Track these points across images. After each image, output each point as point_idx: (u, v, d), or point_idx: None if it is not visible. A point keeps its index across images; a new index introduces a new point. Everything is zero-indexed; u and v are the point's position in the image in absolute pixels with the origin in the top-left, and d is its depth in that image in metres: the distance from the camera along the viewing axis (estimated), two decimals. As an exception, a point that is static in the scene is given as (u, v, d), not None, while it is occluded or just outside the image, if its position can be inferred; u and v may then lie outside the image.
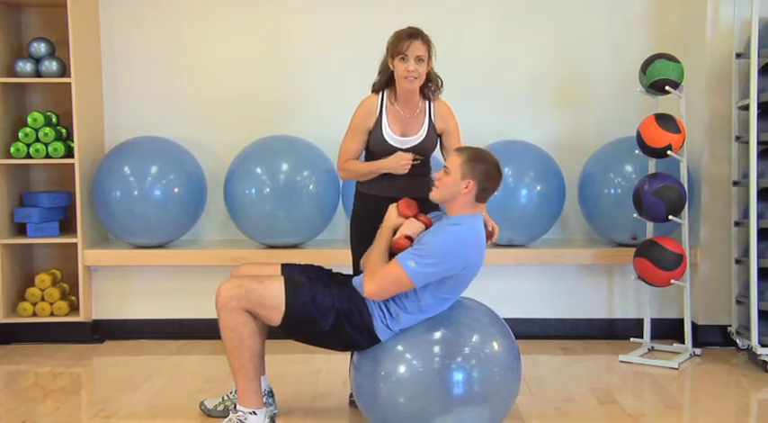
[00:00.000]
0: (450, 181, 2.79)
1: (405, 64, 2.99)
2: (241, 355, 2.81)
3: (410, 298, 2.78)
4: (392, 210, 2.93)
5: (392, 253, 2.80)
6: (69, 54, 4.21)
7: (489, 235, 2.93)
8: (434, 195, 2.85)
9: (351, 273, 3.15)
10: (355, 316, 2.80)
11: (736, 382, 3.75)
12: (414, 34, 3.01)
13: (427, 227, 2.86)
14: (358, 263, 3.18)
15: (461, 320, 2.80)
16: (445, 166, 2.84)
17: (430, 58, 3.05)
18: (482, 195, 2.82)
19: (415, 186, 3.17)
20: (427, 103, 3.15)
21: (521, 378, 2.89)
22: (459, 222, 2.78)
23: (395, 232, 2.88)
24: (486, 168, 2.80)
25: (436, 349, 2.74)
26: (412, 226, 2.85)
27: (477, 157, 2.81)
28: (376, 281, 2.74)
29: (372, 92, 3.17)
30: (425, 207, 3.04)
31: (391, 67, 3.06)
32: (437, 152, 3.27)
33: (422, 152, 3.14)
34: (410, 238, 2.80)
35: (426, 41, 3.03)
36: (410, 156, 3.04)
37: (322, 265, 3.15)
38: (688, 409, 3.45)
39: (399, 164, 3.03)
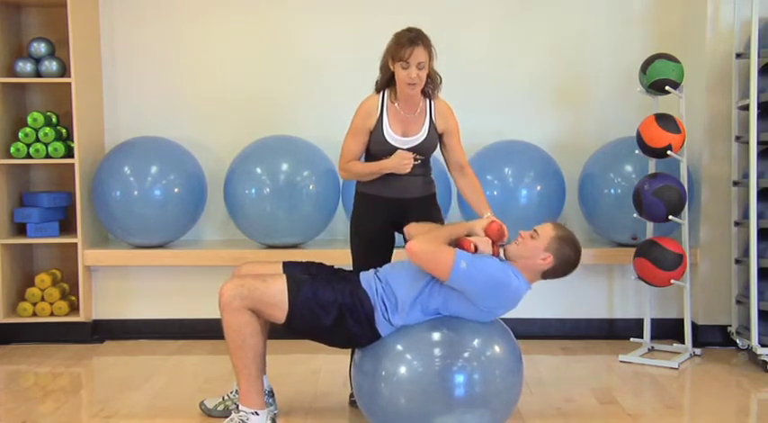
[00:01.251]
0: (533, 245, 2.79)
1: (406, 71, 2.98)
2: (244, 355, 2.81)
3: (421, 294, 2.77)
4: (484, 221, 2.91)
5: (453, 245, 2.79)
6: (69, 54, 4.21)
7: (501, 235, 2.92)
8: (511, 249, 2.84)
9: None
10: (358, 309, 2.80)
11: (736, 382, 3.75)
12: (414, 40, 2.98)
13: (493, 256, 2.85)
14: (358, 263, 3.19)
15: (463, 322, 2.80)
16: (535, 230, 2.82)
17: (431, 60, 3.05)
18: (549, 275, 2.83)
19: (415, 186, 3.17)
20: (428, 102, 3.15)
21: (522, 381, 2.88)
22: (519, 277, 2.78)
23: (467, 235, 2.87)
24: (570, 256, 2.81)
25: (437, 350, 2.73)
26: (486, 245, 2.84)
27: (569, 242, 2.82)
28: (427, 245, 2.72)
29: (375, 91, 3.17)
30: (426, 207, 3.04)
31: (391, 68, 3.05)
32: (436, 153, 3.28)
33: (423, 152, 3.14)
34: (476, 249, 2.80)
35: (427, 46, 3.01)
36: (411, 155, 3.04)
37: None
38: (688, 409, 3.45)
39: (401, 163, 3.03)
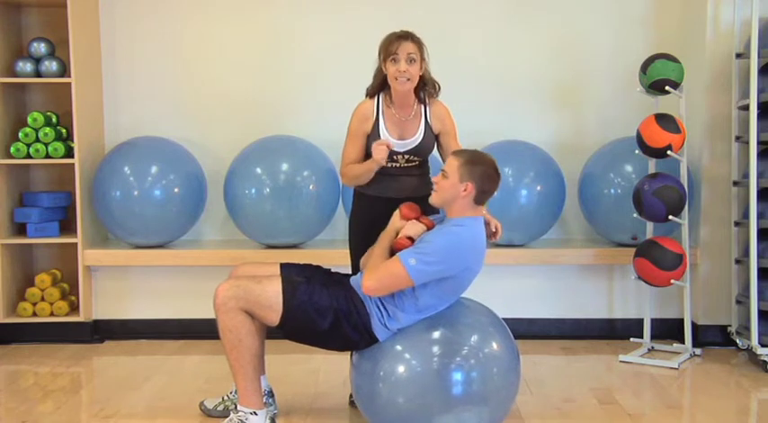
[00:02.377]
0: (448, 184, 2.79)
1: (396, 65, 2.99)
2: (240, 356, 2.81)
3: (408, 297, 2.78)
4: (395, 213, 2.94)
5: (393, 253, 2.81)
6: (69, 54, 4.21)
7: (493, 234, 2.94)
8: (434, 199, 2.85)
9: (350, 273, 3.14)
10: (353, 315, 2.80)
11: (737, 382, 3.75)
12: (404, 35, 3.02)
13: (429, 229, 2.87)
14: (357, 263, 3.18)
15: (460, 320, 2.80)
16: (443, 170, 2.83)
17: (423, 59, 3.04)
18: (481, 197, 2.82)
19: (412, 186, 3.17)
20: (423, 105, 3.15)
21: (520, 378, 2.89)
22: (460, 223, 2.79)
23: (397, 235, 2.88)
24: (483, 170, 2.80)
25: (435, 349, 2.74)
26: (414, 228, 2.86)
27: (475, 160, 2.81)
28: (375, 276, 2.74)
29: (366, 97, 3.17)
30: (426, 208, 3.04)
31: (384, 70, 3.05)
32: (435, 153, 3.28)
33: (420, 154, 3.15)
34: (411, 240, 2.82)
35: (417, 42, 3.02)
36: (385, 142, 3.00)
37: (322, 265, 3.15)
38: (688, 409, 3.45)
39: (377, 155, 2.98)
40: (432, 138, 3.16)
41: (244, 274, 2.97)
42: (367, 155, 3.15)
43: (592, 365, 4.03)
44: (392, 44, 3.00)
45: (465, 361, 2.70)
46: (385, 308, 2.80)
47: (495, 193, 2.87)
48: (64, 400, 3.44)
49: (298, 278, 2.90)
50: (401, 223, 2.91)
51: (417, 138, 3.12)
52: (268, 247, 4.32)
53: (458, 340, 2.75)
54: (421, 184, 3.21)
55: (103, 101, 4.58)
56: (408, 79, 3.00)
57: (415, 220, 2.89)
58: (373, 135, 3.09)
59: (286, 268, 3.02)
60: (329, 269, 3.12)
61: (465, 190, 2.77)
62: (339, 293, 2.85)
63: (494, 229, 2.96)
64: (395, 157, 3.11)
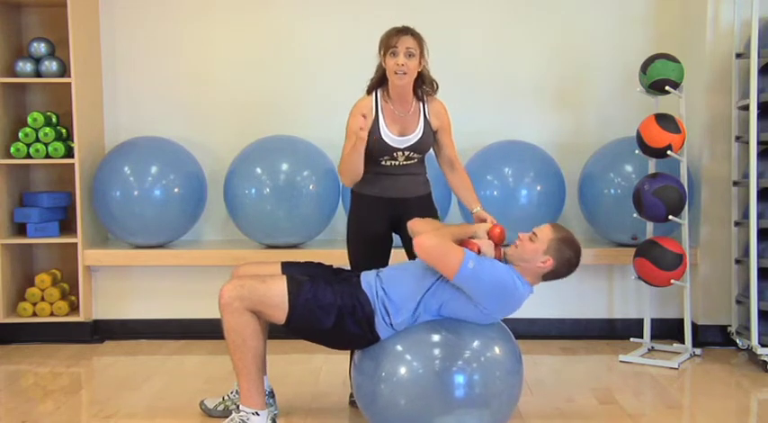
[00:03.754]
0: (532, 248, 2.79)
1: (395, 58, 3.00)
2: (244, 356, 2.81)
3: (426, 298, 2.77)
4: (486, 225, 2.95)
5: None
6: (69, 54, 4.21)
7: (502, 239, 2.93)
8: (511, 252, 2.84)
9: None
10: (357, 311, 2.80)
11: (737, 382, 3.75)
12: (403, 29, 3.03)
13: (495, 259, 2.86)
14: (356, 264, 3.18)
15: (463, 323, 2.79)
16: (534, 232, 2.82)
17: (422, 55, 3.05)
18: (550, 276, 2.83)
19: (410, 186, 3.18)
20: (421, 102, 3.15)
21: (522, 382, 2.88)
22: (522, 281, 2.78)
23: (471, 238, 2.88)
24: (570, 258, 2.81)
25: (437, 351, 2.73)
26: (489, 248, 2.85)
27: (569, 243, 2.81)
28: (437, 241, 2.71)
29: (366, 93, 3.17)
30: (423, 214, 3.04)
31: (384, 64, 3.06)
32: (432, 154, 3.28)
33: (419, 150, 3.15)
34: (479, 251, 2.81)
35: (417, 37, 3.03)
36: (362, 123, 2.98)
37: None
38: (688, 409, 3.45)
39: (355, 134, 2.96)
40: (431, 134, 3.17)
41: (246, 273, 2.96)
42: (367, 153, 3.14)
43: (592, 365, 4.03)
44: (392, 38, 3.01)
45: (467, 364, 2.69)
46: (391, 305, 2.79)
47: (560, 278, 2.86)
48: (64, 400, 3.44)
49: (302, 276, 2.89)
50: (482, 235, 2.90)
51: (417, 134, 3.12)
52: (268, 247, 4.32)
53: (460, 343, 2.74)
54: (419, 184, 3.22)
55: (103, 101, 4.58)
56: (405, 73, 3.00)
57: (492, 243, 2.88)
58: (373, 132, 3.08)
59: (288, 267, 3.01)
60: (332, 265, 3.11)
61: (544, 262, 2.78)
62: (344, 290, 2.84)
63: (499, 232, 2.94)
64: (395, 154, 3.11)
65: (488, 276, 2.70)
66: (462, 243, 2.82)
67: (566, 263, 2.81)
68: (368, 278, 2.90)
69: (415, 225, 2.99)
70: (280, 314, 2.79)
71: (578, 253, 2.84)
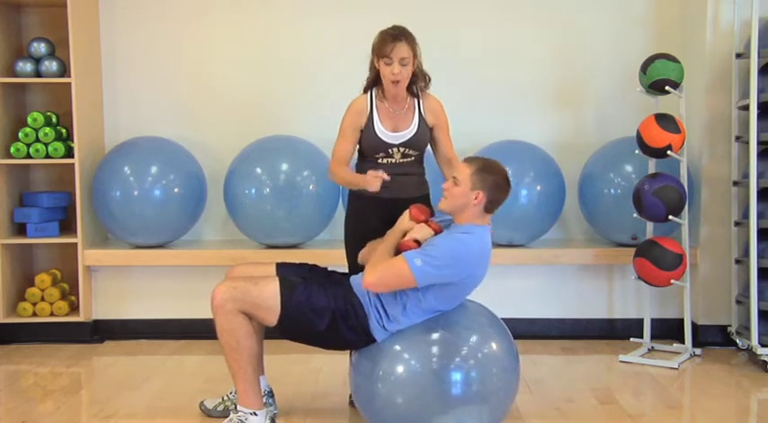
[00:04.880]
0: (459, 191, 2.78)
1: (389, 67, 3.00)
2: (239, 357, 2.81)
3: (412, 299, 2.77)
4: (405, 213, 2.94)
5: (398, 253, 2.80)
6: (69, 54, 4.21)
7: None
8: (443, 205, 2.84)
9: (348, 273, 3.14)
10: (351, 316, 2.80)
11: (737, 382, 3.75)
12: (397, 36, 3.01)
13: (436, 233, 2.86)
14: (353, 263, 3.18)
15: (459, 321, 2.80)
16: (454, 177, 2.82)
17: (415, 57, 3.05)
18: (491, 206, 2.82)
19: (409, 186, 3.17)
20: (415, 98, 3.16)
21: (519, 378, 2.88)
22: (469, 231, 2.78)
23: (404, 235, 2.88)
24: (495, 180, 2.80)
25: (434, 349, 2.73)
26: (422, 231, 2.85)
27: (487, 168, 2.81)
28: (378, 272, 2.72)
29: (363, 91, 3.18)
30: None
31: (377, 66, 3.07)
32: (430, 155, 3.28)
33: (415, 146, 3.15)
34: (418, 242, 2.81)
35: (410, 42, 3.02)
36: (381, 174, 2.97)
37: (321, 265, 3.14)
38: (688, 409, 3.45)
39: (371, 182, 2.96)
40: (426, 131, 3.17)
41: (240, 274, 2.96)
42: (361, 148, 3.16)
43: (592, 365, 4.03)
44: (386, 46, 3.00)
45: (464, 361, 2.70)
46: (384, 310, 2.79)
47: (502, 202, 2.85)
48: (64, 400, 3.44)
49: (295, 279, 2.89)
50: (409, 224, 2.90)
51: (412, 129, 3.12)
52: (268, 247, 4.32)
53: (457, 341, 2.74)
54: (418, 184, 3.22)
55: (103, 101, 4.58)
56: (399, 82, 3.02)
57: (423, 224, 2.88)
58: (367, 129, 3.10)
59: (283, 268, 3.01)
60: (326, 268, 3.11)
61: (476, 198, 2.77)
62: (337, 293, 2.84)
63: None
64: (390, 150, 3.12)
65: (440, 258, 2.69)
66: (399, 247, 2.82)
67: (495, 187, 2.79)
68: (358, 281, 2.88)
69: (362, 258, 3.00)
70: (271, 316, 2.79)
71: (502, 173, 2.82)
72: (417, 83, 3.14)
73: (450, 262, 2.71)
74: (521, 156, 4.33)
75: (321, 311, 2.79)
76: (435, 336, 2.75)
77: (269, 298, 2.78)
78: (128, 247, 4.39)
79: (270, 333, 3.00)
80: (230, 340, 2.79)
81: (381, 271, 2.72)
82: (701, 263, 4.31)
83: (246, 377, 2.84)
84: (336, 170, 3.14)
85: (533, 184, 4.24)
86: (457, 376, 2.68)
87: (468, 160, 2.86)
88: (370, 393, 2.77)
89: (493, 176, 2.79)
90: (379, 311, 2.79)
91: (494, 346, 2.78)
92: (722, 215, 4.27)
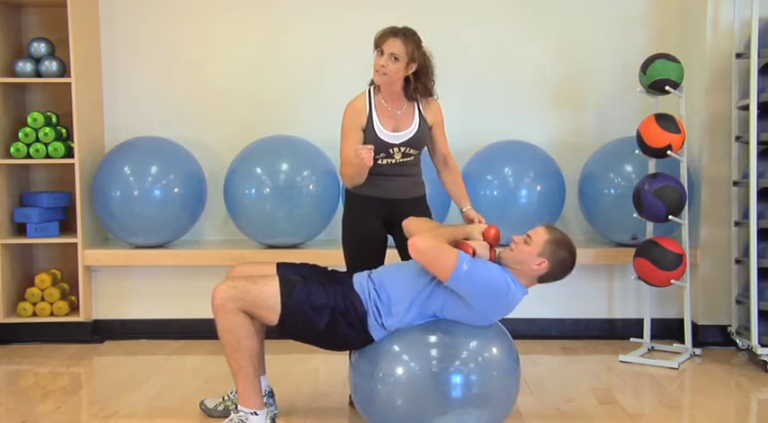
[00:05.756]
0: (527, 250, 2.77)
1: (378, 58, 3.01)
2: (240, 357, 2.81)
3: (420, 296, 2.76)
4: (481, 226, 2.94)
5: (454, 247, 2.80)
6: (69, 54, 4.21)
7: (497, 241, 2.92)
8: (506, 255, 2.82)
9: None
10: (351, 313, 2.80)
11: (736, 382, 3.75)
12: (396, 32, 3.01)
13: (490, 260, 2.85)
14: (352, 264, 3.18)
15: (459, 323, 2.78)
16: (528, 235, 2.80)
17: (412, 61, 3.02)
18: (546, 278, 2.82)
19: (405, 187, 3.18)
20: (415, 102, 3.15)
21: (520, 381, 2.88)
22: (516, 283, 2.77)
23: (466, 239, 2.88)
24: (565, 259, 2.79)
25: (434, 352, 2.73)
26: (483, 249, 2.84)
27: (563, 245, 2.80)
28: (432, 243, 2.69)
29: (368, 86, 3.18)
30: (417, 215, 3.04)
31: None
32: (427, 156, 3.28)
33: (416, 146, 3.15)
34: (474, 253, 2.80)
35: (407, 42, 3.00)
36: (365, 146, 2.95)
37: (322, 264, 3.14)
38: (688, 409, 3.45)
39: (363, 157, 2.92)
40: (426, 129, 3.17)
41: (240, 274, 2.96)
42: None
43: (592, 365, 4.03)
44: (381, 38, 3.02)
45: (464, 364, 2.69)
46: (383, 306, 2.79)
47: (556, 280, 2.85)
48: (64, 400, 3.43)
49: (295, 277, 2.89)
50: (477, 236, 2.89)
51: (413, 129, 3.12)
52: (268, 247, 4.32)
53: (457, 343, 2.74)
54: (414, 185, 3.22)
55: (103, 101, 4.58)
56: (385, 74, 3.00)
57: (488, 246, 2.87)
58: (368, 129, 3.09)
59: (283, 268, 3.01)
60: (326, 267, 3.11)
61: (539, 264, 2.76)
62: (337, 291, 2.84)
63: (494, 233, 2.93)
64: (391, 150, 3.11)
65: (482, 279, 2.69)
66: (457, 244, 2.81)
67: (561, 264, 2.79)
68: (360, 279, 2.89)
69: (410, 224, 2.99)
70: (272, 315, 2.79)
71: (573, 254, 2.82)
72: (415, 90, 3.10)
73: (485, 290, 2.70)
74: (521, 156, 4.33)
75: (320, 309, 2.79)
76: (435, 338, 2.74)
77: (269, 297, 2.78)
78: (128, 247, 4.39)
79: (270, 333, 3.00)
80: (231, 340, 2.79)
81: (435, 246, 2.69)
82: (701, 263, 4.31)
83: (247, 377, 2.84)
84: (345, 171, 3.10)
85: (533, 184, 4.24)
86: (456, 379, 2.68)
87: (548, 228, 2.84)
88: (370, 394, 2.76)
89: (565, 254, 2.79)
90: (378, 309, 2.79)
91: (494, 349, 2.77)
92: (722, 215, 4.27)
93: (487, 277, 2.71)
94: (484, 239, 2.89)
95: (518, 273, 2.80)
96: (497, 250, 2.89)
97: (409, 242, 2.73)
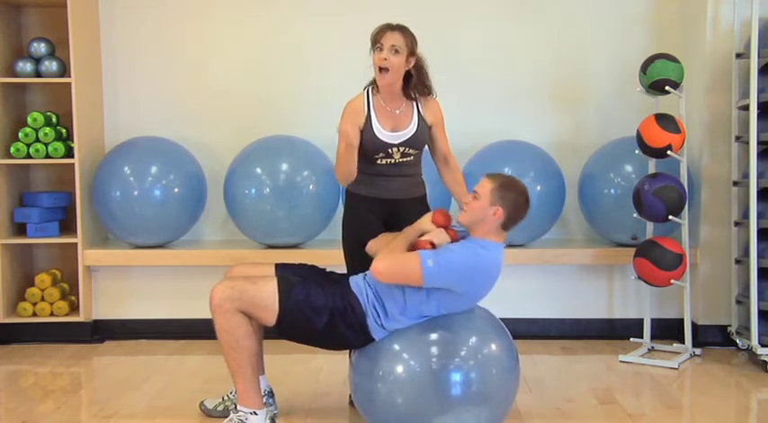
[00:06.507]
0: (478, 206, 2.78)
1: (379, 53, 3.00)
2: (238, 357, 2.81)
3: (413, 299, 2.76)
4: (428, 216, 2.94)
5: (411, 250, 2.79)
6: (69, 54, 4.21)
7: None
8: (462, 218, 2.84)
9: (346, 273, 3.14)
10: (349, 314, 2.80)
11: (736, 382, 3.75)
12: (393, 27, 3.02)
13: (452, 241, 2.86)
14: (351, 264, 3.18)
15: (459, 321, 2.80)
16: (475, 191, 2.81)
17: (411, 55, 3.03)
18: (508, 224, 2.81)
19: (405, 187, 3.17)
20: (414, 101, 3.14)
21: (519, 379, 2.88)
22: (485, 246, 2.78)
23: (421, 235, 2.88)
24: (515, 198, 2.79)
25: (434, 350, 2.73)
26: (440, 235, 2.85)
27: (508, 186, 2.80)
28: (389, 261, 2.72)
29: (363, 89, 3.17)
30: (417, 215, 3.03)
31: (372, 58, 3.06)
32: (427, 156, 3.27)
33: (415, 145, 3.14)
34: (433, 245, 2.81)
35: (406, 35, 3.01)
36: (351, 130, 2.96)
37: (321, 265, 3.14)
38: (688, 409, 3.45)
39: (350, 137, 2.94)
40: (426, 129, 3.17)
41: (239, 274, 2.96)
42: (361, 151, 3.12)
43: (592, 365, 4.03)
44: (379, 33, 3.02)
45: (463, 362, 2.70)
46: (384, 308, 2.80)
47: (519, 221, 2.85)
48: (64, 400, 3.44)
49: (293, 278, 2.89)
50: (429, 226, 2.90)
51: (411, 129, 3.12)
52: (268, 247, 4.32)
53: (456, 341, 2.74)
54: (413, 185, 3.22)
55: (103, 101, 4.58)
56: (388, 70, 2.99)
57: (442, 229, 2.88)
58: (366, 129, 3.08)
59: (281, 268, 3.01)
60: (324, 269, 3.11)
61: (494, 214, 2.77)
62: (335, 292, 2.84)
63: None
64: (389, 150, 3.10)
65: (453, 264, 2.70)
66: (415, 245, 2.81)
67: (514, 205, 2.78)
68: (356, 280, 2.89)
69: (371, 248, 2.99)
70: (269, 316, 2.79)
71: (523, 191, 2.82)
72: (415, 88, 3.10)
73: (460, 271, 2.71)
74: (521, 156, 4.33)
75: (319, 310, 2.79)
76: (435, 336, 2.75)
77: (267, 297, 2.78)
78: (128, 247, 4.39)
79: (269, 333, 3.00)
80: (229, 340, 2.79)
81: (393, 261, 2.71)
82: (700, 263, 4.31)
83: (246, 377, 2.84)
84: (336, 169, 3.10)
85: (533, 184, 4.23)
86: (456, 377, 2.68)
87: (490, 176, 2.84)
88: (370, 393, 2.77)
89: (513, 194, 2.79)
90: (377, 310, 2.79)
91: (493, 346, 2.78)
92: (722, 215, 4.27)
93: (456, 261, 2.71)
94: (436, 226, 2.88)
95: (482, 233, 2.79)
96: (455, 228, 2.89)
97: (371, 269, 2.74)
